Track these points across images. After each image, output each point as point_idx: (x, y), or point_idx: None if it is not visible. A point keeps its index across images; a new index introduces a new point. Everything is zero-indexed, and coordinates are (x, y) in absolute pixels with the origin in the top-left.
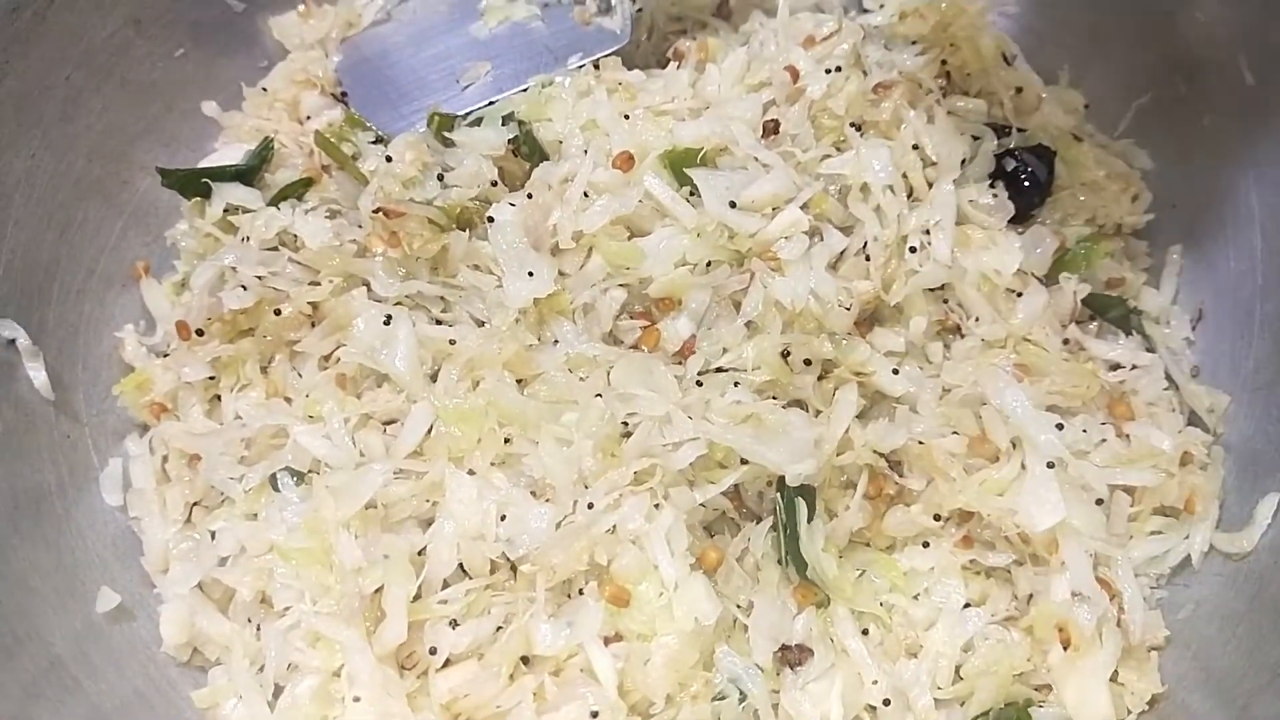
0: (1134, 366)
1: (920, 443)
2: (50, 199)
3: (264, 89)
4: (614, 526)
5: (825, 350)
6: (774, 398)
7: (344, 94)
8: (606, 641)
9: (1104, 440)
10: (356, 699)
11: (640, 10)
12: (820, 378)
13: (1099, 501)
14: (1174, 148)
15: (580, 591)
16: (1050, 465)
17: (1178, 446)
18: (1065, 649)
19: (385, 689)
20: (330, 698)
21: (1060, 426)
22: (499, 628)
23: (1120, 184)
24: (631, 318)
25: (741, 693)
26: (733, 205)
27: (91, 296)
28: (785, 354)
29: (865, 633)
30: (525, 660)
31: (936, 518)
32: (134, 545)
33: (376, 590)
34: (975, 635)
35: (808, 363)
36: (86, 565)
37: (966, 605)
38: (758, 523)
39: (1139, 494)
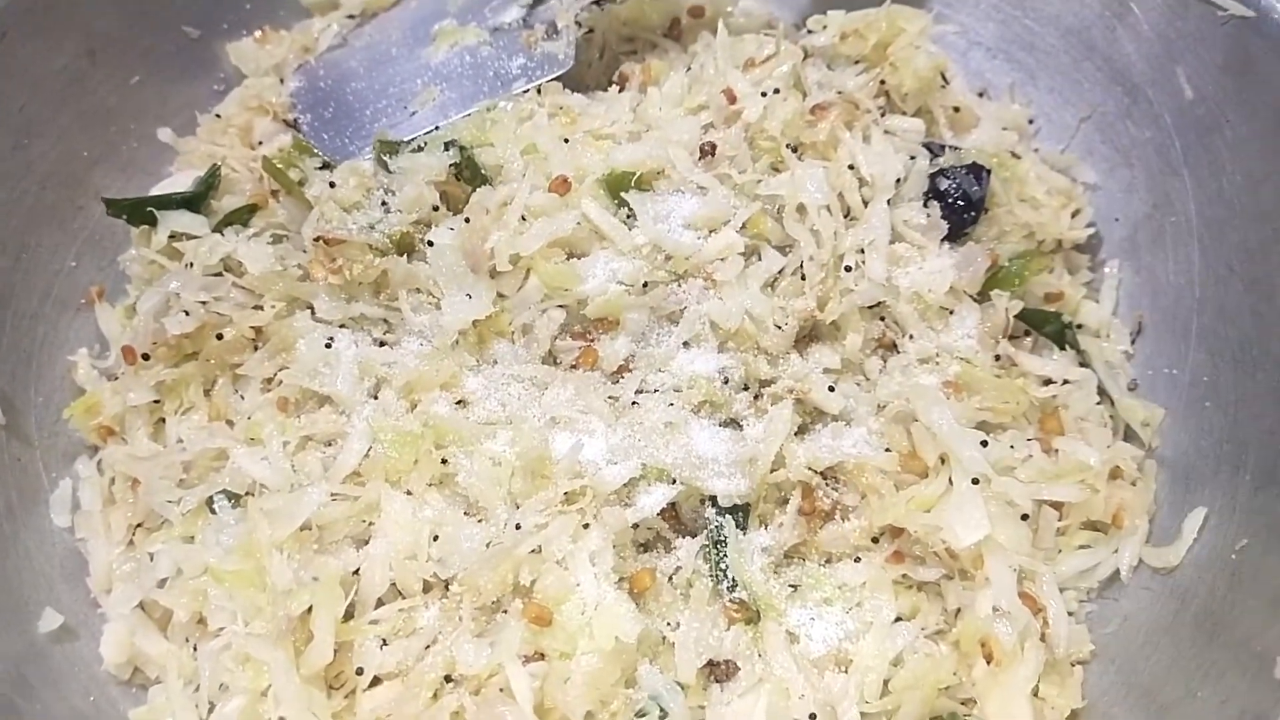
0: (1066, 381)
1: (853, 460)
2: (4, 225)
3: (218, 115)
4: (539, 547)
5: (762, 370)
6: (709, 416)
7: (295, 120)
8: (527, 660)
9: (1030, 456)
10: (281, 718)
11: (591, 31)
12: (756, 396)
13: (1024, 517)
14: (1116, 161)
15: (505, 611)
16: (975, 481)
17: (1105, 461)
18: (988, 663)
19: (310, 709)
20: (258, 717)
21: (985, 443)
22: (427, 646)
23: (1061, 199)
24: (571, 338)
25: (662, 710)
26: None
27: (46, 321)
28: (725, 379)
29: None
30: (449, 679)
31: (874, 540)
32: (81, 566)
33: (307, 611)
34: (904, 649)
35: (745, 387)
36: (33, 585)
37: (897, 619)
38: (691, 539)
39: (1066, 509)
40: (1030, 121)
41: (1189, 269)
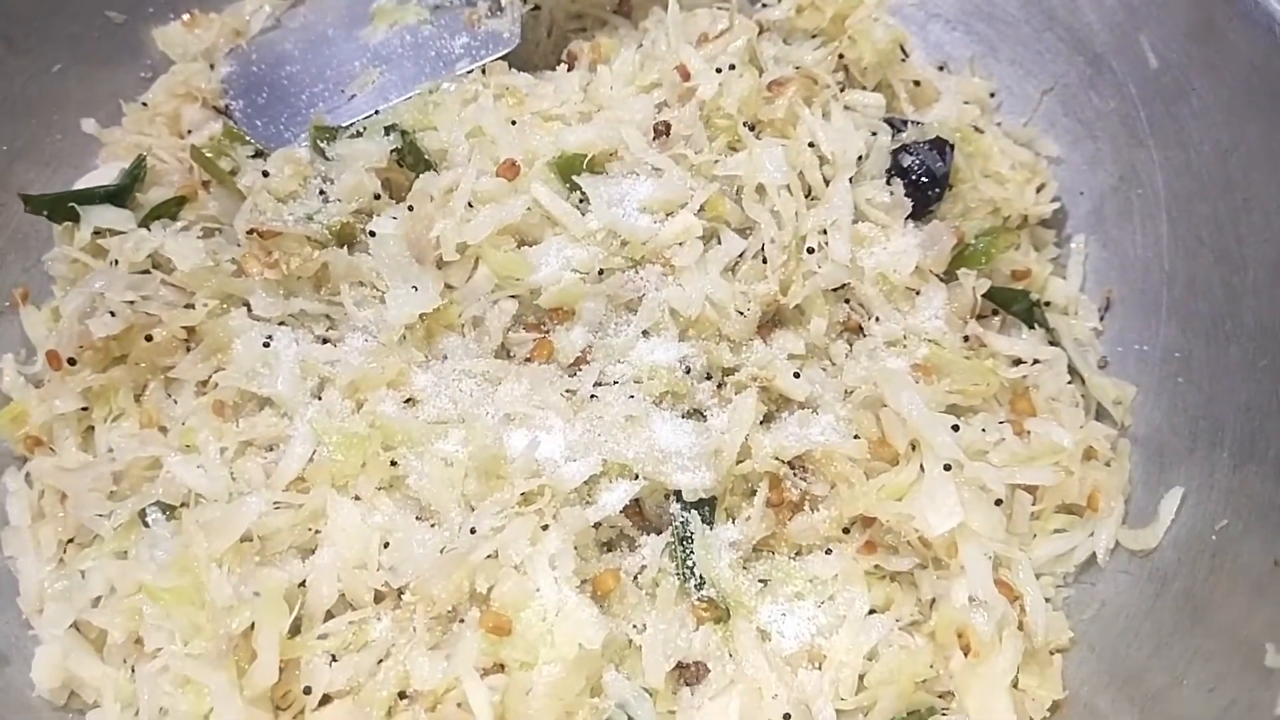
0: (1036, 361)
1: (821, 448)
2: None
3: (144, 104)
4: (495, 552)
5: (724, 358)
6: (672, 407)
7: (227, 107)
8: (486, 673)
9: (1002, 439)
10: None
11: (538, 9)
12: (719, 385)
13: (998, 502)
14: (1080, 133)
15: (462, 620)
16: (947, 467)
17: (1079, 442)
18: (966, 655)
19: None
20: None
21: (956, 428)
22: (380, 660)
23: (1025, 174)
24: (524, 329)
25: (630, 718)
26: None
27: None
28: (686, 368)
29: (766, 642)
30: (404, 695)
31: (845, 530)
32: (11, 585)
33: (250, 627)
34: (879, 642)
35: (708, 376)
36: None
37: (871, 611)
38: (656, 536)
39: (1040, 492)
40: (991, 95)
41: (1157, 242)
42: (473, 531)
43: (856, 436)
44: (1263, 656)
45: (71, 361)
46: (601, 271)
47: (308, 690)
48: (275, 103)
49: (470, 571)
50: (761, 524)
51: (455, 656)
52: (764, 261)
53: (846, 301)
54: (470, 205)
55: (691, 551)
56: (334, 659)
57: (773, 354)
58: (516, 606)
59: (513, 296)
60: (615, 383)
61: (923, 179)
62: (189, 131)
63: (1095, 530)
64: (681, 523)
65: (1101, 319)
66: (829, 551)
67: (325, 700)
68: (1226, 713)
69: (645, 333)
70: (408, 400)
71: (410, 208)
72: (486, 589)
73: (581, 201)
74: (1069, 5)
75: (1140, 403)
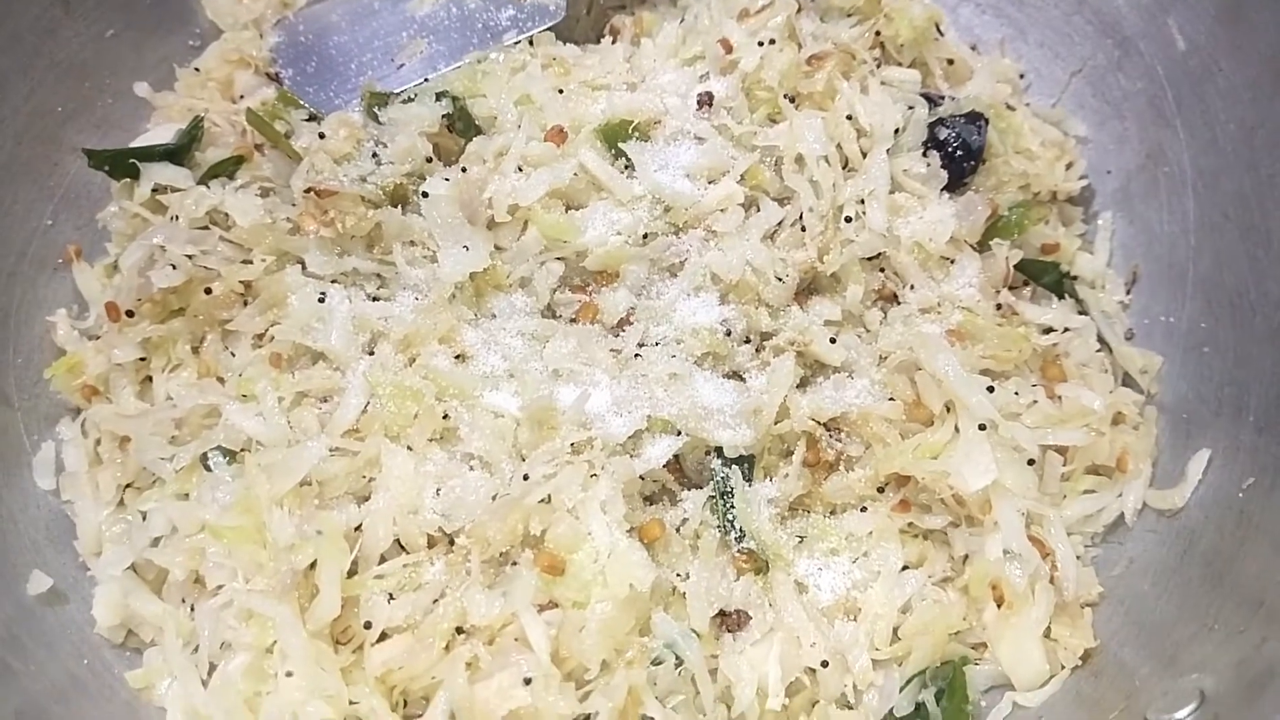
0: (1066, 330)
1: (857, 410)
2: None
3: (196, 69)
4: (549, 497)
5: (763, 323)
6: (713, 368)
7: (277, 74)
8: (541, 610)
9: (1035, 402)
10: (289, 674)
11: None
12: (758, 349)
13: (1031, 462)
14: (1108, 114)
15: (515, 563)
16: (982, 427)
17: (1108, 406)
18: (999, 607)
19: (318, 663)
20: (263, 674)
21: (991, 389)
22: (435, 600)
23: (1054, 151)
24: (570, 291)
25: (678, 658)
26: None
27: (23, 280)
28: (727, 330)
29: (803, 594)
30: (460, 631)
31: (880, 490)
32: (67, 529)
33: (311, 566)
34: (913, 596)
35: (747, 340)
36: (18, 549)
37: (905, 567)
38: (697, 491)
39: (1071, 454)
40: (1021, 76)
41: (1183, 218)
42: (525, 478)
43: (891, 399)
44: None
45: (130, 313)
46: (645, 236)
47: (368, 625)
48: (324, 71)
49: (524, 515)
50: (798, 482)
51: (511, 594)
52: (802, 230)
53: (882, 270)
54: (520, 169)
55: (732, 505)
56: (391, 598)
57: (810, 320)
58: (569, 548)
59: (559, 259)
60: (658, 343)
61: (958, 152)
62: (241, 96)
63: (1124, 491)
64: (722, 478)
65: (1128, 292)
66: (864, 509)
67: (383, 637)
68: (1259, 650)
69: (687, 296)
70: (458, 356)
71: (464, 170)
72: (540, 532)
73: (627, 168)
74: None
75: (1166, 372)
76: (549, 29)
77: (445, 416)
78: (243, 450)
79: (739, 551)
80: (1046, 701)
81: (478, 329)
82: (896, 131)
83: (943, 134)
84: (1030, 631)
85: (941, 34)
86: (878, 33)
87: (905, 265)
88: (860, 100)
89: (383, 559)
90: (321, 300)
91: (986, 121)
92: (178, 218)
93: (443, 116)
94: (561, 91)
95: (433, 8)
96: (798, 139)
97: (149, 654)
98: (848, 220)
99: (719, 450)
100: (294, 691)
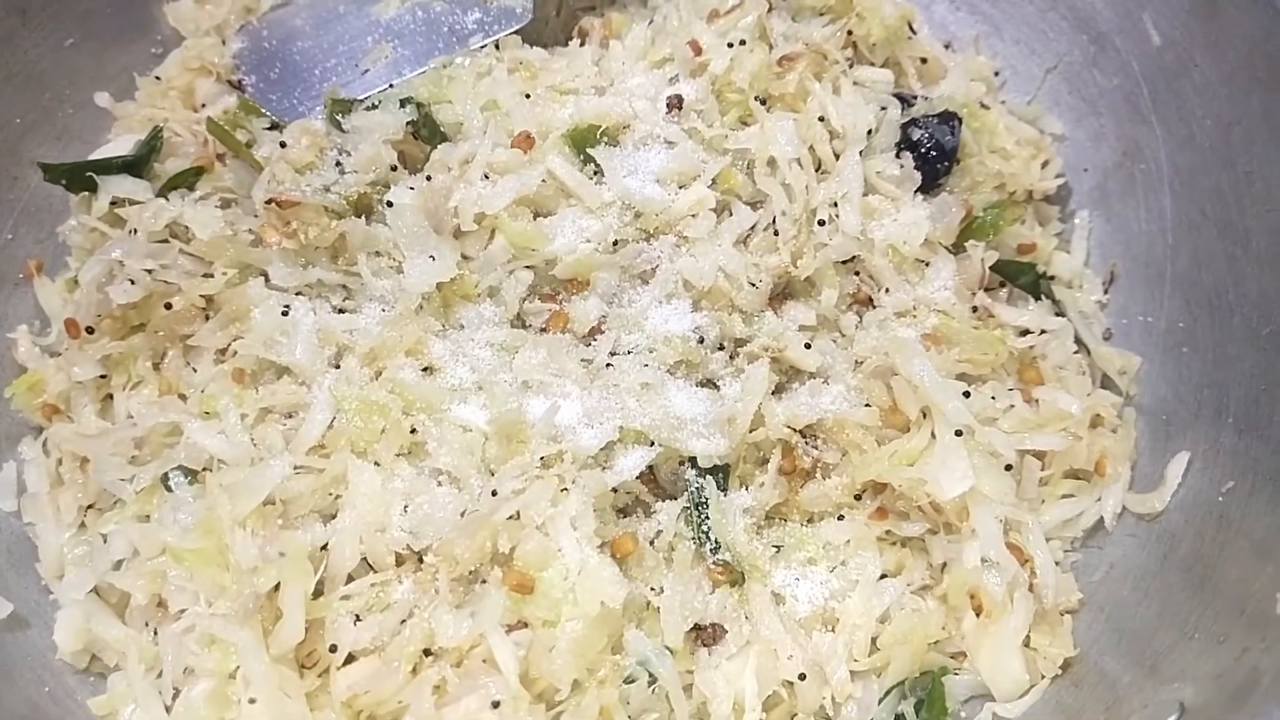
0: (1043, 331)
1: (833, 416)
2: None
3: (157, 78)
4: (518, 513)
5: (737, 329)
6: (686, 376)
7: (240, 81)
8: (510, 629)
9: (1012, 406)
10: (252, 700)
11: None
12: (732, 356)
13: (1008, 467)
14: (1084, 111)
15: (484, 581)
16: (958, 433)
17: (1086, 409)
18: (978, 615)
19: (282, 689)
20: (227, 700)
21: (967, 394)
22: (403, 620)
23: (1030, 150)
24: (540, 300)
25: (651, 675)
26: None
27: None
28: (700, 338)
29: (780, 606)
30: (429, 653)
31: (857, 497)
32: (29, 551)
33: (275, 589)
34: (891, 605)
35: (721, 347)
36: None
37: (883, 576)
38: (671, 502)
39: (1049, 458)
40: (996, 74)
41: (1161, 216)
42: (494, 494)
43: (867, 405)
44: (1273, 607)
45: (90, 330)
46: (616, 243)
47: (333, 648)
48: (288, 78)
49: (493, 532)
50: (774, 491)
51: (480, 614)
52: (775, 234)
53: (856, 273)
54: (486, 177)
55: (706, 516)
56: (358, 619)
57: (784, 325)
58: (539, 566)
59: (528, 267)
60: (629, 352)
61: (932, 152)
62: (203, 105)
63: (1103, 495)
64: (696, 488)
65: (1106, 292)
66: (841, 518)
67: (349, 660)
68: (1239, 661)
69: (659, 303)
70: (425, 368)
71: (429, 178)
72: (509, 549)
73: (596, 174)
74: None
75: (1145, 372)
76: (516, 32)
77: (413, 431)
78: (205, 469)
79: (714, 563)
80: (1027, 712)
81: (445, 340)
82: (869, 133)
83: (916, 135)
84: (1010, 640)
85: (914, 32)
86: (850, 32)
87: (880, 268)
88: (832, 101)
89: (350, 578)
90: (285, 313)
91: (960, 121)
92: (136, 231)
93: (407, 123)
94: (529, 96)
95: (398, 11)
96: (769, 141)
97: (113, 679)
98: (821, 224)
99: (693, 460)
100: (259, 718)
